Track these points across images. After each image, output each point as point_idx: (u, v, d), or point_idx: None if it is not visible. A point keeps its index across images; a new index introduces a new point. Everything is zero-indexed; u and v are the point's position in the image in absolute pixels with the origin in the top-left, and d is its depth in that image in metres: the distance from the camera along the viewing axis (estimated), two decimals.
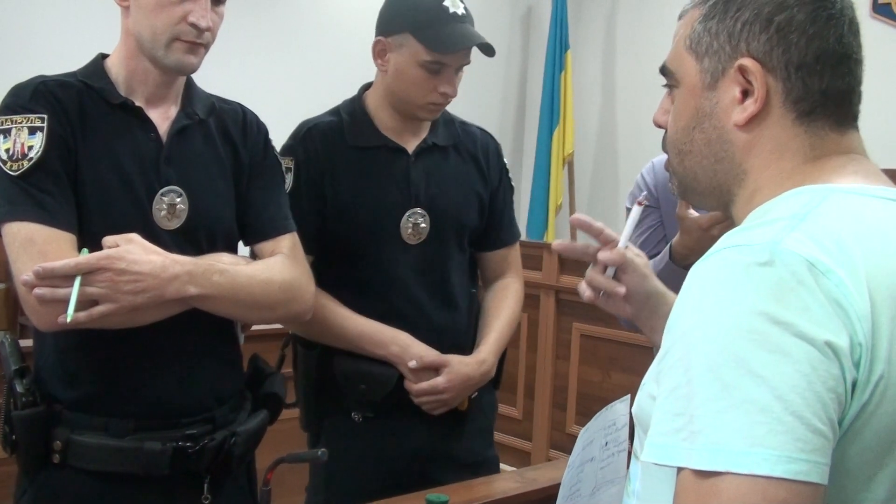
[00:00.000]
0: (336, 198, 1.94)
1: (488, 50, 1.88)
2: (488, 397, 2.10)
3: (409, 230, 1.95)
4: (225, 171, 1.65)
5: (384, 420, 1.96)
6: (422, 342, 1.94)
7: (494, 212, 2.09)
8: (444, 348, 1.95)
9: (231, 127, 1.68)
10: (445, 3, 1.86)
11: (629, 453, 1.12)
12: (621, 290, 1.26)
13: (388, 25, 1.92)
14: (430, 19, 1.85)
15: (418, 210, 1.96)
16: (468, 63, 1.93)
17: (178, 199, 1.56)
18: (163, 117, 1.59)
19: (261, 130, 1.73)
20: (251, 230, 1.69)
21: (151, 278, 1.42)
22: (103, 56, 1.62)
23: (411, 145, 1.99)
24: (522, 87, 6.41)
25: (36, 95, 1.50)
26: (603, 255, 1.26)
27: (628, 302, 1.28)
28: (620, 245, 1.27)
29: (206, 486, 1.58)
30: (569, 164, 5.99)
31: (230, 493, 1.64)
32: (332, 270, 1.95)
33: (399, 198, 1.95)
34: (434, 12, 1.85)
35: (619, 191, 5.95)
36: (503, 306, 2.07)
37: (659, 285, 1.29)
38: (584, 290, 1.29)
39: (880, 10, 4.84)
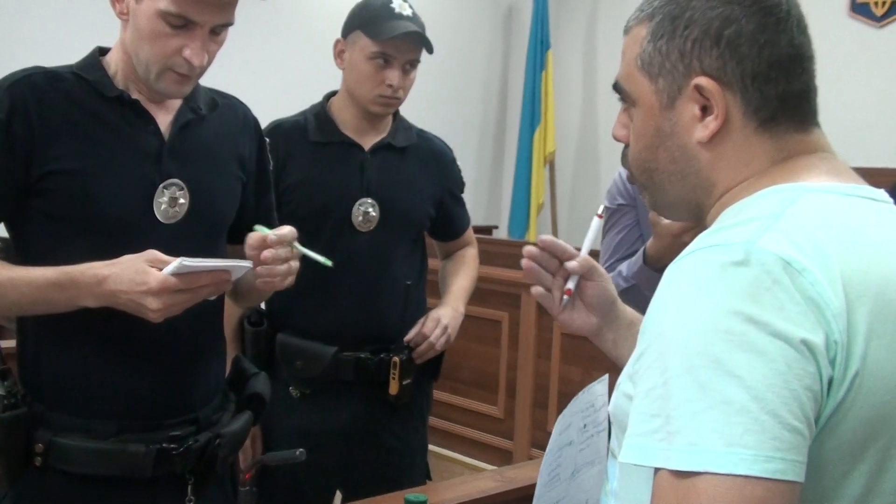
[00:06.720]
0: (293, 184, 2.09)
1: (427, 45, 2.08)
2: (424, 387, 2.24)
3: (360, 218, 2.10)
4: (227, 166, 1.66)
5: (318, 397, 2.11)
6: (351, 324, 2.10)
7: (452, 209, 2.30)
8: (372, 331, 2.11)
9: (232, 123, 1.69)
10: (392, 5, 2.07)
11: (609, 433, 1.12)
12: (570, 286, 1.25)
13: (345, 27, 2.14)
14: (376, 16, 2.07)
15: (368, 200, 2.11)
16: (414, 59, 2.10)
17: (180, 193, 1.56)
18: (164, 110, 1.58)
19: (258, 129, 1.75)
20: (238, 229, 1.69)
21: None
22: (101, 51, 1.60)
23: (368, 143, 2.14)
24: (503, 86, 6.42)
25: (13, 88, 1.47)
26: (570, 265, 1.25)
27: (594, 309, 1.27)
28: (583, 253, 1.27)
29: (189, 487, 1.57)
30: (550, 163, 6.01)
31: (214, 495, 1.64)
32: None
33: (352, 186, 2.11)
34: (380, 10, 2.07)
35: (601, 189, 5.96)
36: (463, 267, 2.33)
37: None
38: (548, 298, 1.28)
39: (858, 10, 4.87)
